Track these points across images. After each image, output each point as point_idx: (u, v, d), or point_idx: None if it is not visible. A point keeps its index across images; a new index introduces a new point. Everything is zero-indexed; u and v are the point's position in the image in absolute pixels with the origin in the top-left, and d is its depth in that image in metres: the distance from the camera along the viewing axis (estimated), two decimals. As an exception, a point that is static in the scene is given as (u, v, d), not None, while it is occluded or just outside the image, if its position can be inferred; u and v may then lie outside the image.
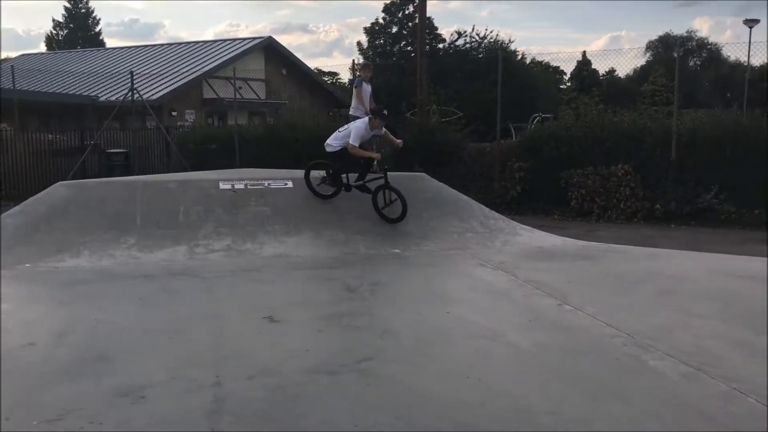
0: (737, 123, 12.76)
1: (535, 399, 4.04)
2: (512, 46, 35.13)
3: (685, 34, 53.81)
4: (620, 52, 78.08)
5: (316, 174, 9.60)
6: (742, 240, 10.70)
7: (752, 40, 26.63)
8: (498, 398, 4.04)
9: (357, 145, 8.95)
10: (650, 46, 51.54)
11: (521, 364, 4.69)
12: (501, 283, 7.04)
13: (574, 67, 45.66)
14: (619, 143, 13.11)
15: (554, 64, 46.35)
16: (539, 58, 44.61)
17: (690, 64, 52.59)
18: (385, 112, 9.40)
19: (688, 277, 7.26)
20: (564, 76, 47.73)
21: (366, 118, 9.35)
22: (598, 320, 5.60)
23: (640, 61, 50.75)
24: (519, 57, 33.44)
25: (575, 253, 8.67)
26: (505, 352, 4.91)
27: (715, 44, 54.42)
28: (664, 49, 49.71)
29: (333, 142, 9.23)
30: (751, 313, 5.84)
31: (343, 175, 9.43)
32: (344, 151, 9.00)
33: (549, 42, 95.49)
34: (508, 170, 14.24)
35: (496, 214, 10.36)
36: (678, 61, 15.93)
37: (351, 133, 9.01)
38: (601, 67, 52.92)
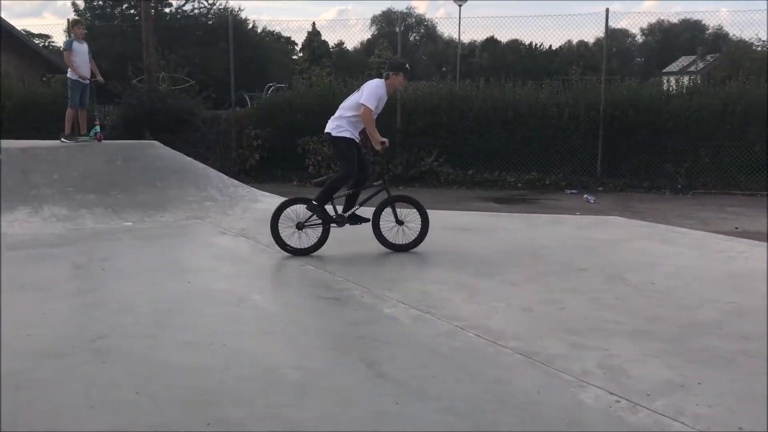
0: (451, 93, 14.03)
1: (280, 357, 4.10)
2: (242, 15, 34.68)
3: (405, 11, 57.52)
4: (347, 24, 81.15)
5: (290, 216, 6.68)
6: (459, 198, 11.87)
7: (462, 17, 29.32)
8: (243, 360, 4.02)
9: (372, 108, 6.44)
10: (375, 20, 54.32)
11: (267, 326, 4.72)
12: (243, 249, 7.00)
13: (305, 38, 46.48)
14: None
15: (285, 34, 46.73)
16: (270, 28, 44.65)
17: (410, 39, 56.45)
18: (408, 66, 6.81)
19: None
20: (296, 47, 48.39)
21: (380, 79, 6.64)
22: (336, 277, 5.84)
23: (367, 34, 53.26)
24: (250, 26, 33.14)
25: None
26: (249, 316, 4.91)
27: (431, 21, 58.99)
28: (387, 23, 52.72)
29: (336, 121, 6.55)
30: (469, 259, 6.53)
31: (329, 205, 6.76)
32: (347, 144, 6.51)
33: (279, 12, 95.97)
34: (246, 138, 14.14)
35: (236, 182, 10.25)
36: (400, 35, 17.00)
37: (365, 89, 6.53)
38: (330, 38, 54.63)
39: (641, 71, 51.62)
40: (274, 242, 6.67)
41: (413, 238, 6.77)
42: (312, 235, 6.65)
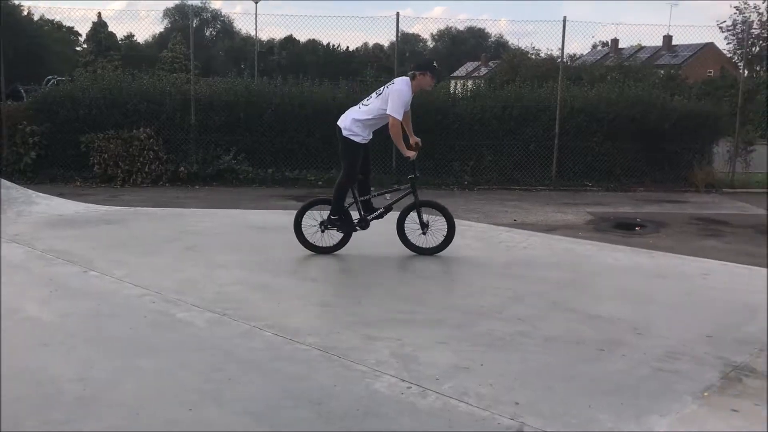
0: (248, 89, 13.82)
1: (59, 369, 3.76)
2: (15, 0, 31.49)
3: (200, 4, 55.76)
4: (138, 16, 76.94)
5: (313, 217, 6.62)
6: (259, 196, 11.72)
7: (259, 14, 29.03)
8: (17, 376, 3.64)
9: (400, 119, 6.17)
10: (167, 13, 52.08)
11: (43, 337, 4.30)
12: (16, 256, 6.34)
13: (89, 29, 43.35)
14: (139, 107, 12.98)
15: (67, 23, 43.23)
16: (49, 16, 41.02)
17: (206, 34, 54.82)
18: (435, 63, 6.54)
19: (212, 233, 7.63)
20: (80, 38, 44.98)
21: (406, 78, 6.32)
22: (125, 282, 5.49)
23: (159, 27, 50.90)
24: (25, 13, 30.23)
25: (100, 219, 8.32)
26: (23, 328, 4.45)
27: (228, 16, 57.78)
28: (182, 17, 50.78)
29: (352, 121, 6.26)
30: (269, 258, 6.45)
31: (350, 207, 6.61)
32: (355, 147, 6.26)
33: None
34: (20, 134, 12.85)
35: (8, 183, 9.26)
36: (192, 30, 16.39)
37: (392, 95, 6.14)
38: (119, 30, 51.39)
39: (432, 75, 54.38)
40: (50, 249, 6.11)
41: (439, 242, 6.61)
42: (336, 235, 6.60)
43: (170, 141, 13.01)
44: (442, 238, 6.59)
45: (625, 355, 4.19)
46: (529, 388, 3.67)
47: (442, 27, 74.34)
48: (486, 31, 75.24)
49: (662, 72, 35.08)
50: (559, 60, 14.81)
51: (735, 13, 33.33)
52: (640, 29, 61.29)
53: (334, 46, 63.90)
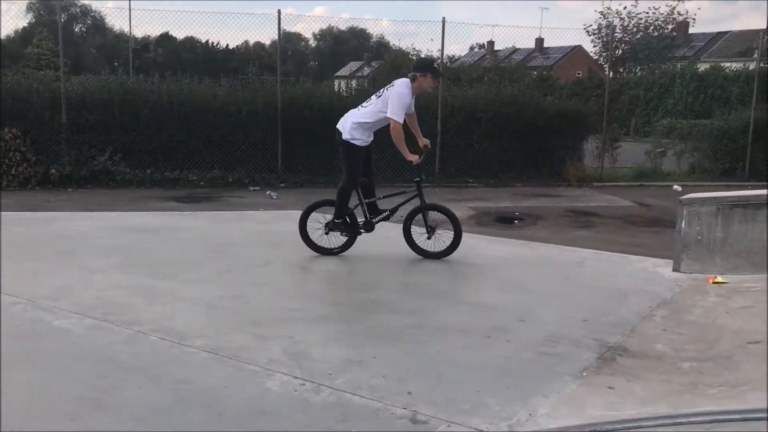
0: (124, 87, 13.22)
1: None
2: None
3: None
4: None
5: (317, 219, 6.62)
6: (137, 198, 11.24)
7: (133, 9, 27.89)
8: None
9: (401, 122, 6.07)
10: (31, 7, 48.98)
11: None
12: None
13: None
14: (4, 105, 12.12)
15: None
16: None
17: (76, 30, 52.04)
18: (436, 64, 5.98)
19: (89, 236, 7.25)
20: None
21: (405, 80, 6.18)
22: (-7, 291, 5.12)
23: (23, 21, 47.80)
24: None
25: (-39, 225, 7.70)
26: None
27: (99, 12, 55.11)
28: (48, 12, 47.93)
29: (352, 124, 6.19)
30: (150, 260, 6.22)
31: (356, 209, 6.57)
32: (355, 150, 6.21)
33: None
34: None
35: None
36: (61, 25, 15.50)
37: (392, 98, 6.02)
38: (-25, 25, 47.67)
39: (315, 74, 54.50)
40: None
41: (445, 246, 6.47)
42: (340, 238, 6.56)
43: (39, 141, 12.21)
44: (448, 242, 6.48)
45: (509, 341, 4.36)
46: (420, 377, 3.74)
47: (324, 26, 74.33)
48: (368, 31, 76.05)
49: (535, 73, 36.80)
50: (439, 60, 15.16)
51: (600, 18, 35.57)
52: (514, 31, 63.88)
53: (213, 43, 62.42)
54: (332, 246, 6.59)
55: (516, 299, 5.29)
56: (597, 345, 4.30)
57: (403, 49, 37.20)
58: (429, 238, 6.51)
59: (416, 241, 6.59)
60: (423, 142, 6.63)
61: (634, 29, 36.37)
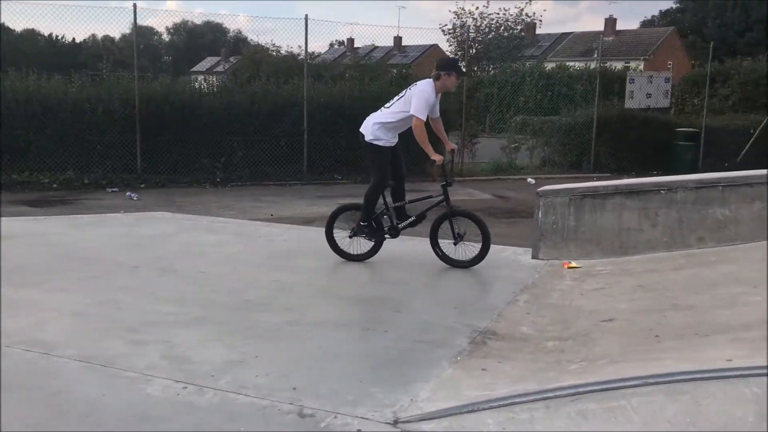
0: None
1: None
2: None
3: None
4: None
5: (342, 225, 6.47)
6: (-18, 203, 10.42)
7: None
8: None
9: (424, 119, 5.88)
10: None
11: None
12: None
13: None
14: None
15: None
16: None
17: None
18: (463, 64, 5.30)
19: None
20: None
21: (429, 80, 6.01)
22: None
23: None
24: None
25: None
26: None
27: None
28: None
29: (375, 126, 6.07)
30: (5, 270, 5.82)
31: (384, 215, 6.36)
32: (380, 151, 6.07)
33: None
34: None
35: None
36: None
37: (415, 96, 5.88)
38: None
39: (170, 69, 52.64)
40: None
41: (473, 255, 6.20)
42: (365, 243, 6.36)
43: None
44: (477, 251, 6.24)
45: (387, 331, 4.51)
46: (304, 372, 3.80)
47: (178, 20, 71.86)
48: (224, 26, 74.30)
49: (395, 71, 37.64)
50: (301, 57, 15.20)
51: (455, 18, 37.00)
52: (373, 30, 64.95)
53: (57, 36, 58.60)
54: (358, 252, 6.43)
55: (390, 291, 5.47)
56: (469, 330, 4.54)
57: (263, 45, 36.67)
58: (455, 244, 6.30)
59: (444, 250, 6.36)
60: (450, 146, 6.56)
61: (487, 29, 38.15)
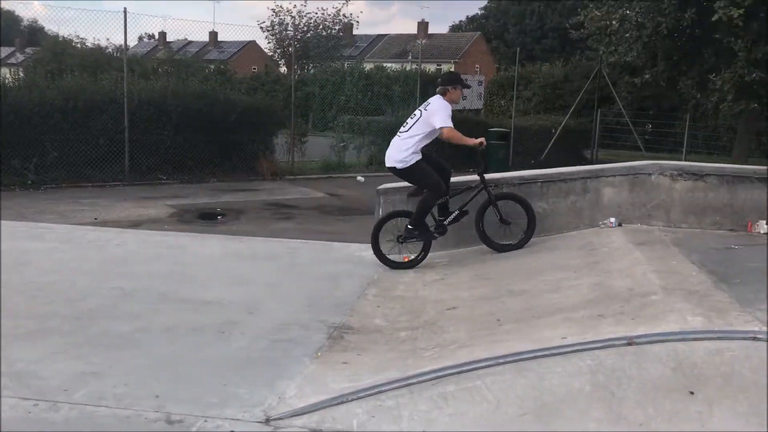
0: None
1: None
2: None
3: None
4: None
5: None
6: None
7: None
8: None
9: (452, 125, 6.17)
10: None
11: None
12: None
13: None
14: None
15: None
16: None
17: None
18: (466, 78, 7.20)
19: None
20: None
21: (438, 96, 6.30)
22: None
23: None
24: None
25: None
26: None
27: None
28: None
29: (402, 153, 6.19)
30: None
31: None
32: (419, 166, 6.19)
33: None
34: None
35: None
36: None
37: (435, 113, 6.14)
38: None
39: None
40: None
41: (519, 237, 6.40)
42: (413, 248, 6.37)
43: None
44: (522, 234, 6.41)
45: (243, 333, 4.52)
46: (163, 379, 3.72)
47: (-36, 6, 64.64)
48: (17, 14, 67.93)
49: (212, 66, 36.76)
50: (109, 50, 14.45)
51: (272, 15, 36.84)
52: (187, 24, 62.74)
53: None
54: (408, 256, 6.39)
55: (240, 293, 5.44)
56: (324, 326, 4.67)
57: (65, 36, 34.01)
58: (503, 225, 6.41)
59: (490, 236, 6.46)
60: (477, 141, 6.42)
61: (305, 28, 38.37)
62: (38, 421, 3.19)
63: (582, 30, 19.26)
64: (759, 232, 6.19)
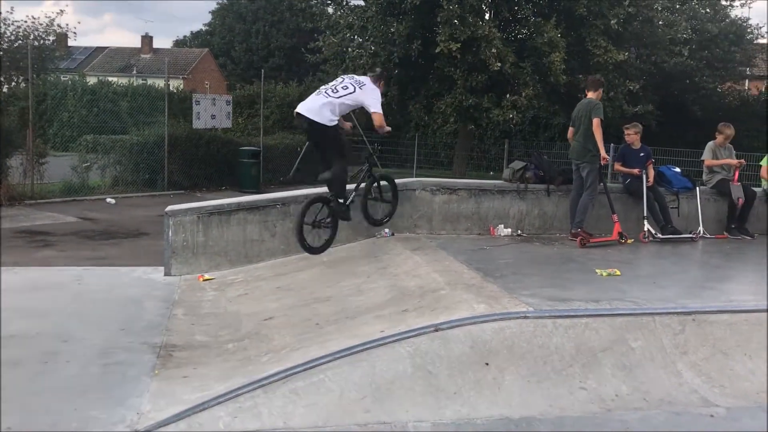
0: None
1: None
2: None
3: None
4: None
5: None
6: None
7: None
8: None
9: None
10: None
11: None
12: None
13: None
14: None
15: None
16: None
17: None
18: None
19: None
20: None
21: (367, 77, 6.61)
22: None
23: None
24: None
25: None
26: None
27: None
28: None
29: (329, 113, 6.21)
30: None
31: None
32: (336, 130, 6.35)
33: None
34: None
35: None
36: None
37: (370, 96, 6.35)
38: None
39: None
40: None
41: (386, 213, 7.16)
42: (323, 234, 6.51)
43: None
44: (389, 209, 7.13)
45: (68, 361, 4.52)
46: (9, 412, 3.68)
47: None
48: None
49: None
50: None
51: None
52: None
53: None
54: (317, 245, 6.48)
55: (43, 324, 5.27)
56: (149, 347, 4.83)
57: None
58: (379, 202, 7.06)
59: (369, 211, 6.95)
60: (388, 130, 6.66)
61: (13, 37, 35.08)
62: None
63: (318, 55, 20.55)
64: (500, 235, 7.57)
